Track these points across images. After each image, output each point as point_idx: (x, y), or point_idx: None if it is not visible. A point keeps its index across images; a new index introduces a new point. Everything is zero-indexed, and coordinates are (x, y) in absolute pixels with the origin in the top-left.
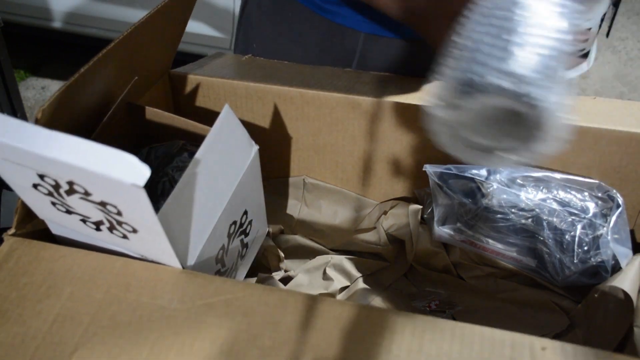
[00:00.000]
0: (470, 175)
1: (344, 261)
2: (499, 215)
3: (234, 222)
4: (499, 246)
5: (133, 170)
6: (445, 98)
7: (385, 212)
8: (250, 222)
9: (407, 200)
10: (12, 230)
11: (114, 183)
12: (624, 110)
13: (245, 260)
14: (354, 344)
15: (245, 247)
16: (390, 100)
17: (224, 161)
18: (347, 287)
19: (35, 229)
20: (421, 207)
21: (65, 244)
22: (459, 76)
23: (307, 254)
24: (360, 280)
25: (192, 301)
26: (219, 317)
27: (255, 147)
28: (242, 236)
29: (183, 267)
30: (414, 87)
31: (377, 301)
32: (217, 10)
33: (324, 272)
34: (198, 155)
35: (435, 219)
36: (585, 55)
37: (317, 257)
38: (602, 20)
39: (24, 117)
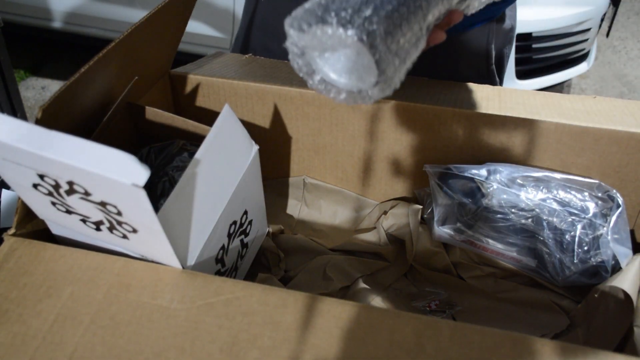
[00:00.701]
0: (470, 175)
1: (344, 261)
2: (499, 215)
3: (234, 222)
4: (499, 246)
5: (133, 171)
6: (297, 20)
7: (385, 212)
8: (250, 222)
9: (407, 200)
10: (12, 230)
11: (114, 183)
12: (624, 110)
13: (245, 260)
14: (354, 343)
15: (245, 247)
16: (390, 100)
17: (224, 161)
18: (347, 287)
19: (35, 229)
20: (421, 207)
21: (65, 244)
22: (310, 7)
23: (307, 254)
24: (360, 280)
25: (192, 301)
26: (219, 317)
27: (256, 147)
28: (242, 236)
29: (183, 267)
30: (414, 87)
31: (377, 301)
32: (217, 10)
33: (324, 272)
34: (198, 155)
35: (435, 219)
36: (585, 55)
37: (317, 257)
38: (602, 20)
39: (24, 117)
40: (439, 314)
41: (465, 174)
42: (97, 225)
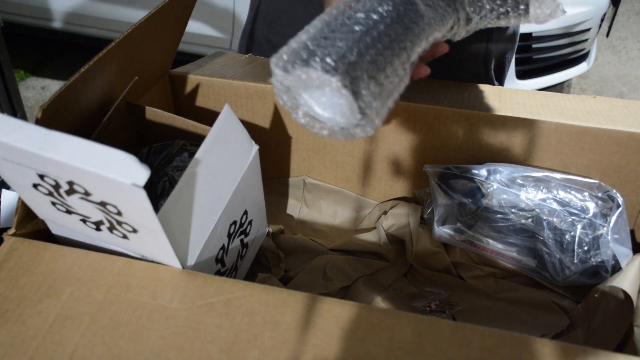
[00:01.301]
0: (470, 175)
1: (344, 261)
2: (499, 215)
3: (234, 222)
4: (499, 246)
5: (133, 170)
6: (282, 60)
7: (385, 212)
8: (250, 222)
9: (407, 200)
10: (12, 230)
11: (114, 183)
12: (624, 110)
13: (245, 260)
14: (354, 343)
15: (245, 247)
16: None
17: (224, 161)
18: (347, 287)
19: (35, 229)
20: (421, 207)
21: (65, 243)
22: (296, 47)
23: (307, 254)
24: (360, 280)
25: (192, 301)
26: (219, 317)
27: (256, 147)
28: (242, 236)
29: (183, 267)
30: (414, 87)
31: (377, 301)
32: (217, 10)
33: (324, 272)
34: (198, 155)
35: (435, 219)
36: (585, 55)
37: (317, 257)
38: (602, 20)
39: (24, 117)
40: (439, 314)
41: (465, 174)
42: (97, 225)
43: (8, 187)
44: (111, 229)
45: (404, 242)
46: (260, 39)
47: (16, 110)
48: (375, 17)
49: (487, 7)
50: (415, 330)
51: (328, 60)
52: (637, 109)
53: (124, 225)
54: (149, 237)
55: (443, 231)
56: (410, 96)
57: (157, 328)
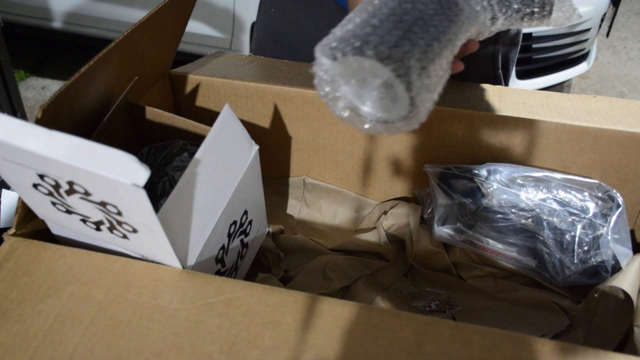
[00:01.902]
0: (470, 175)
1: (344, 261)
2: (499, 215)
3: (234, 222)
4: (499, 246)
5: (133, 170)
6: (330, 48)
7: (385, 212)
8: (250, 222)
9: (407, 200)
10: (12, 230)
11: (114, 183)
12: (624, 110)
13: (245, 260)
14: (354, 343)
15: (245, 247)
16: None
17: (224, 161)
18: (347, 287)
19: (36, 229)
20: (421, 207)
21: (65, 244)
22: (344, 36)
23: (307, 254)
24: (360, 280)
25: (193, 301)
26: (219, 317)
27: (256, 147)
28: (242, 236)
29: (183, 267)
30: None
31: (377, 301)
32: (217, 10)
33: (324, 272)
34: (198, 155)
35: (435, 219)
36: (585, 55)
37: (317, 257)
38: (602, 20)
39: (24, 117)
40: (439, 314)
41: (465, 174)
42: (97, 225)
43: (8, 187)
44: (111, 229)
45: (404, 242)
46: (268, 56)
47: (16, 110)
48: (421, 7)
49: (515, 6)
50: (415, 330)
51: (382, 48)
52: (637, 109)
53: (124, 225)
54: (149, 237)
55: (443, 231)
56: None
57: (157, 328)
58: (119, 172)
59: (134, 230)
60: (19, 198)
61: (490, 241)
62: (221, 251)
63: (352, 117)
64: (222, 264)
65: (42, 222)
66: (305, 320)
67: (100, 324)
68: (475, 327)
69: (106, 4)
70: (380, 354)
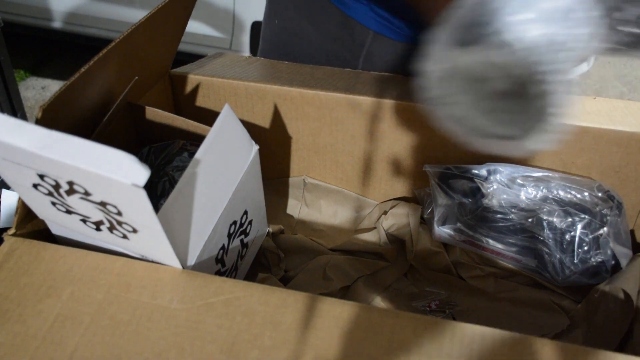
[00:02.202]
0: (470, 175)
1: (344, 261)
2: (499, 215)
3: (234, 222)
4: (499, 246)
5: (133, 171)
6: (445, 47)
7: (385, 212)
8: (250, 222)
9: (407, 200)
10: (12, 230)
11: (114, 183)
12: (624, 110)
13: (245, 260)
14: (354, 343)
15: (246, 247)
16: (390, 101)
17: (224, 161)
18: (347, 287)
19: (35, 229)
20: (421, 207)
21: (65, 243)
22: (466, 20)
23: (307, 254)
24: (360, 280)
25: (192, 301)
26: (219, 317)
27: (256, 147)
28: (242, 236)
29: (183, 267)
30: (415, 88)
31: (377, 301)
32: (217, 10)
33: (324, 272)
34: (198, 155)
35: (435, 219)
36: None
37: (317, 257)
38: None
39: (24, 117)
40: (439, 314)
41: (465, 174)
42: (97, 226)
43: (8, 187)
44: (111, 229)
45: (404, 242)
46: None
47: (16, 110)
48: None
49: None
50: (416, 330)
51: (535, 32)
52: (637, 109)
53: (124, 225)
54: (149, 237)
55: (443, 231)
56: (410, 96)
57: (157, 328)
58: (119, 172)
59: (134, 231)
60: (19, 198)
61: (490, 241)
62: (221, 251)
63: (456, 127)
64: (222, 264)
65: (42, 222)
66: (305, 320)
67: (100, 324)
68: (476, 327)
69: (106, 4)
70: (380, 354)
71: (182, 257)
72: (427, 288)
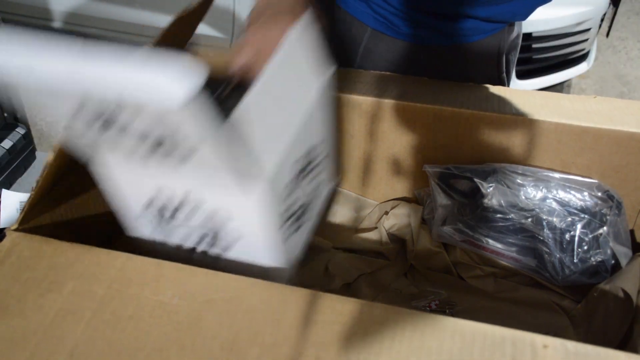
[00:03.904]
0: (470, 175)
1: (345, 259)
2: (499, 215)
3: (306, 154)
4: (499, 246)
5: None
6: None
7: (386, 212)
8: (318, 163)
9: (407, 200)
10: (14, 226)
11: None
12: (624, 110)
13: (310, 214)
14: (356, 340)
15: (313, 194)
16: (390, 100)
17: (295, 77)
18: (348, 284)
19: (37, 225)
20: (422, 207)
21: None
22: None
23: (308, 251)
24: (361, 278)
25: (194, 297)
26: (220, 314)
27: (332, 68)
28: (309, 177)
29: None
30: (415, 87)
31: (377, 301)
32: (217, 10)
33: (326, 269)
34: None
35: (436, 219)
36: (585, 56)
37: (319, 254)
38: (602, 20)
39: (24, 118)
40: (439, 314)
41: (465, 174)
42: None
43: (8, 187)
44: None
45: (404, 241)
46: None
47: (16, 110)
48: None
49: None
50: (417, 327)
51: None
52: (637, 109)
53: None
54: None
55: (443, 231)
56: (410, 96)
57: (158, 324)
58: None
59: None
60: (29, 197)
61: (490, 241)
62: (289, 185)
63: None
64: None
65: (45, 217)
66: (307, 317)
67: (101, 319)
68: (477, 324)
69: (106, 4)
70: (381, 351)
71: (260, 167)
72: (427, 288)
